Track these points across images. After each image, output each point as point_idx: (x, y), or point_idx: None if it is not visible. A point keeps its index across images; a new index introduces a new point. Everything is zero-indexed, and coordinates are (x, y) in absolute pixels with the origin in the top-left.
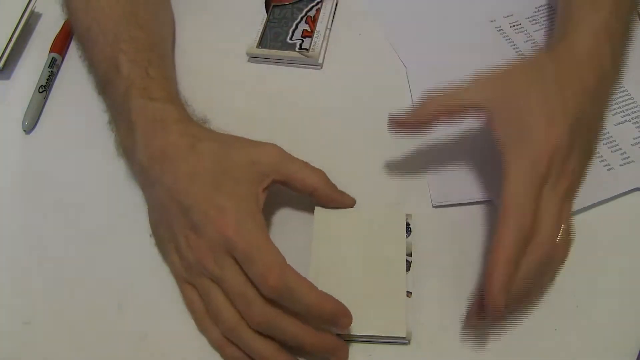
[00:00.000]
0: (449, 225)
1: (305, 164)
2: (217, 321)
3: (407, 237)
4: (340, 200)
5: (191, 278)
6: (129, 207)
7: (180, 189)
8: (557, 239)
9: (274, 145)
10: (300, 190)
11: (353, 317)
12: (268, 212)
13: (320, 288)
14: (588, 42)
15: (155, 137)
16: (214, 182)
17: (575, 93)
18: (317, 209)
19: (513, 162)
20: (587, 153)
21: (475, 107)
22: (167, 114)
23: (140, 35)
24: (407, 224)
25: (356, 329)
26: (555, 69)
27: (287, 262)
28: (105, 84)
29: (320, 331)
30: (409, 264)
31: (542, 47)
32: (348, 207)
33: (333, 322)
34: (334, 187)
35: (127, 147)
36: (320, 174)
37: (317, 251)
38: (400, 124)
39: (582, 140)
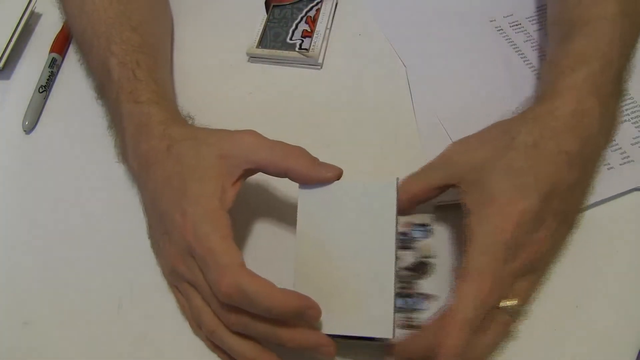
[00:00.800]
0: (449, 225)
1: (279, 146)
2: (200, 325)
3: (428, 238)
4: (320, 176)
5: (175, 282)
6: (129, 207)
7: (157, 195)
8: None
9: (248, 133)
10: (275, 175)
11: (337, 316)
12: (261, 203)
13: (304, 284)
14: (572, 103)
15: (141, 142)
16: (182, 185)
17: (553, 158)
18: (300, 190)
19: (478, 229)
20: (566, 221)
21: (445, 185)
22: (151, 117)
23: (132, 36)
24: (427, 225)
25: (340, 328)
26: (532, 132)
27: (246, 265)
28: (101, 89)
29: (299, 328)
30: (431, 266)
31: (524, 106)
32: (333, 181)
33: (300, 318)
34: (310, 163)
35: (123, 152)
36: (294, 152)
37: (302, 241)
38: None
39: (559, 208)
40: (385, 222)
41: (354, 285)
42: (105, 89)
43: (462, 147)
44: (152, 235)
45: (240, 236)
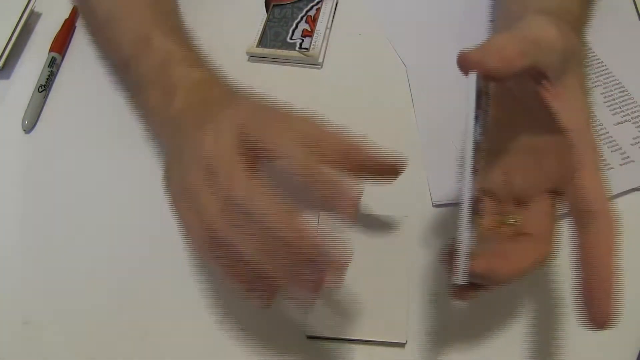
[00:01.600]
0: (449, 224)
1: None
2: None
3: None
4: None
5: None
6: (129, 206)
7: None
8: None
9: None
10: None
11: (356, 322)
12: None
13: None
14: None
15: (200, 92)
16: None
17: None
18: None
19: (578, 120)
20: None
21: (533, 67)
22: (215, 79)
23: (169, 18)
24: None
25: (358, 333)
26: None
27: None
28: (129, 59)
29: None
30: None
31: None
32: None
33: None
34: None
35: (157, 106)
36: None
37: None
38: (467, 60)
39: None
40: (400, 247)
41: (370, 297)
42: (138, 58)
43: (552, 33)
44: (178, 162)
45: None
